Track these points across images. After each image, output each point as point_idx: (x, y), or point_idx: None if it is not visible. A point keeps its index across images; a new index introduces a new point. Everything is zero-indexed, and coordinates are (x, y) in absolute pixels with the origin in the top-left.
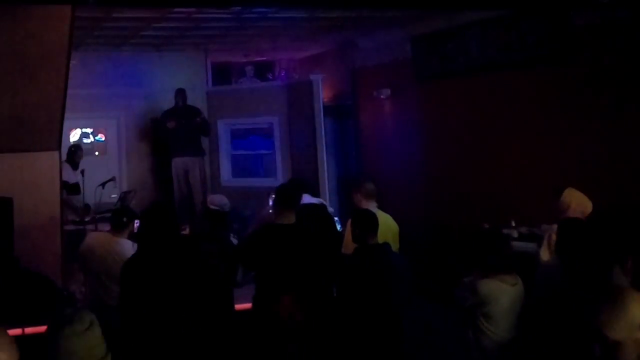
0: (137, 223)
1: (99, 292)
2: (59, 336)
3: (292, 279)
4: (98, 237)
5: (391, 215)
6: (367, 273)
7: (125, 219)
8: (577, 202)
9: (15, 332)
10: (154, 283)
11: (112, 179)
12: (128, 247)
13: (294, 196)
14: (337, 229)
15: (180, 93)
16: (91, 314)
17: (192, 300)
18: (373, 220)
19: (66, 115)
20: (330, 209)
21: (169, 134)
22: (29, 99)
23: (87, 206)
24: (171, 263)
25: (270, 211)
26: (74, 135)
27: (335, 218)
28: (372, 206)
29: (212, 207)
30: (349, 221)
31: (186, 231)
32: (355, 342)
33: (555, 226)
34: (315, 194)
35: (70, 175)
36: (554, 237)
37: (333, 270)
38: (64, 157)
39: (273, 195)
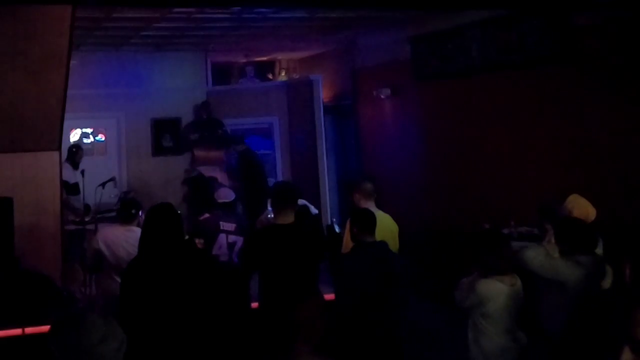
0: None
1: (112, 289)
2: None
3: (294, 279)
4: (110, 231)
5: (391, 215)
6: (364, 270)
7: (133, 211)
8: (580, 209)
9: (15, 332)
10: (155, 288)
11: (112, 179)
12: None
13: (290, 195)
14: (322, 229)
15: (205, 106)
16: (122, 333)
17: (196, 305)
18: (371, 219)
19: (66, 115)
20: (314, 211)
21: (193, 146)
22: (29, 99)
23: (86, 206)
24: (173, 267)
25: (270, 216)
26: (74, 135)
27: (336, 223)
28: (371, 206)
29: (220, 200)
30: (348, 221)
31: (205, 216)
32: (354, 341)
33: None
34: (316, 194)
35: (70, 175)
36: (552, 240)
37: (329, 268)
38: (64, 156)
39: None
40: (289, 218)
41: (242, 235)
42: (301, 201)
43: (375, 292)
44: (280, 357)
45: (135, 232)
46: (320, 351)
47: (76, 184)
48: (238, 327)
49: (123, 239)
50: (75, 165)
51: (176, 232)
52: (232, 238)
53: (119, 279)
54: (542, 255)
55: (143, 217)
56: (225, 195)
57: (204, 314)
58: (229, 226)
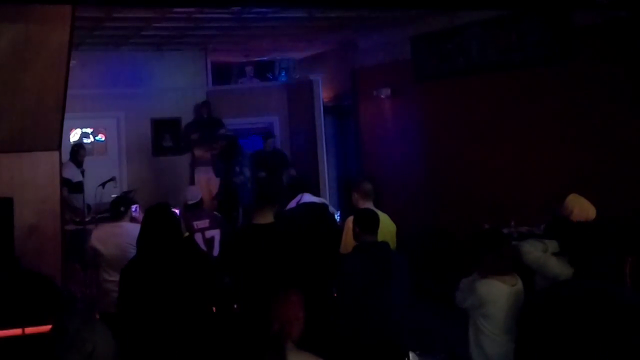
0: (134, 209)
1: (106, 284)
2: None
3: (270, 280)
4: (103, 228)
5: (390, 214)
6: (365, 271)
7: (122, 208)
8: (580, 208)
9: (15, 332)
10: (153, 287)
11: (112, 179)
12: (133, 227)
13: (270, 195)
14: (338, 228)
15: (205, 105)
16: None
17: (192, 304)
18: (374, 219)
19: (66, 115)
20: (332, 209)
21: (193, 145)
22: (29, 99)
23: (87, 206)
24: (171, 267)
25: None
26: (74, 135)
27: (337, 216)
28: (369, 206)
29: (189, 202)
30: (347, 221)
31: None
32: (354, 341)
33: None
34: (317, 193)
35: (74, 174)
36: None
37: (332, 269)
38: (67, 156)
39: None
40: (267, 218)
41: (218, 227)
42: (320, 199)
43: (376, 292)
44: (266, 355)
45: (124, 227)
46: (304, 347)
47: (80, 183)
48: (227, 325)
49: (113, 234)
50: (78, 163)
51: (173, 232)
52: (209, 233)
53: (112, 273)
54: (538, 251)
55: (137, 213)
56: (193, 195)
57: (201, 312)
58: (203, 223)
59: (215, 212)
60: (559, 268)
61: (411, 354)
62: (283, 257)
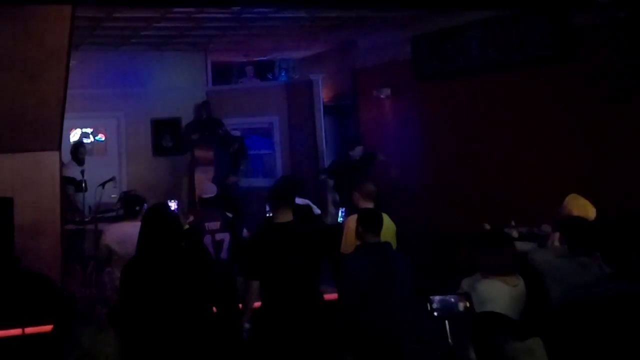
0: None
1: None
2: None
3: (294, 277)
4: (117, 227)
5: (391, 214)
6: (366, 271)
7: (137, 207)
8: (579, 209)
9: (15, 332)
10: (154, 287)
11: (112, 179)
12: None
13: (288, 193)
14: (325, 228)
15: (205, 106)
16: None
17: (193, 305)
18: (378, 219)
19: (66, 115)
20: (317, 211)
21: (193, 145)
22: (29, 99)
23: (89, 208)
24: (170, 265)
25: None
26: (74, 135)
27: (342, 213)
28: (370, 206)
29: (205, 196)
30: (348, 220)
31: (190, 219)
32: (356, 340)
33: (557, 234)
34: (302, 194)
35: (77, 173)
36: (556, 243)
37: (331, 269)
38: (67, 156)
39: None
40: (287, 216)
41: (228, 231)
42: (304, 201)
43: (378, 292)
44: None
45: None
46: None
47: (83, 181)
48: (228, 324)
49: (130, 234)
50: (79, 162)
51: (172, 232)
52: (219, 236)
53: None
54: (550, 257)
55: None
56: (210, 190)
57: (200, 311)
58: (214, 225)
59: (227, 213)
60: (573, 271)
61: (436, 297)
62: (305, 254)
